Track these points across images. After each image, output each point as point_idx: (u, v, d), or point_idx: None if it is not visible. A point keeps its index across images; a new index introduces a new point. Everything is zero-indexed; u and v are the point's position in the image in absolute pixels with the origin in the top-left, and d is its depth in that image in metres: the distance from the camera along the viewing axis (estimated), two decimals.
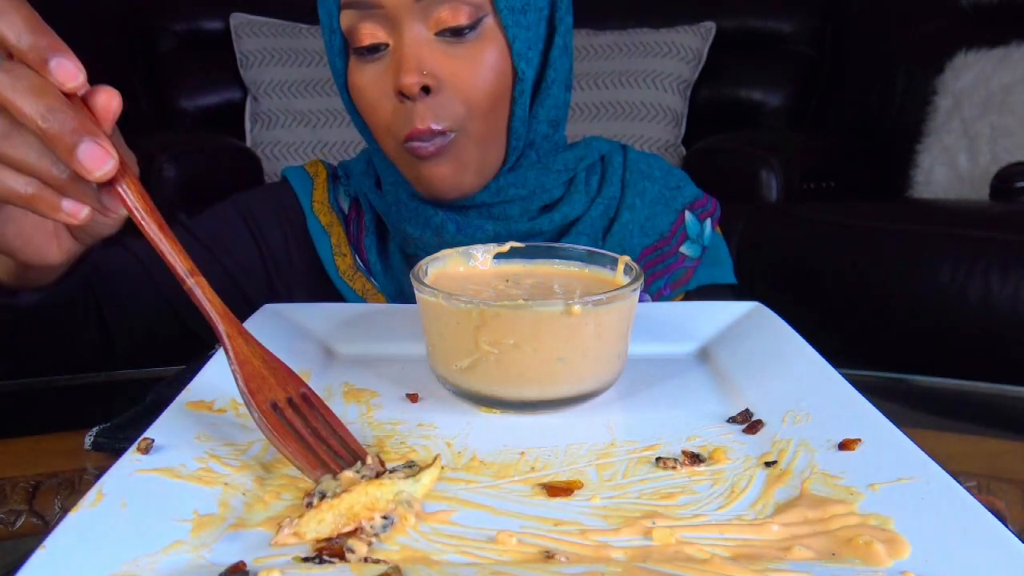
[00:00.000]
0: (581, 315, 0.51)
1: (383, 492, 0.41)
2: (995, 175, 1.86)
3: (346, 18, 0.72)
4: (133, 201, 0.48)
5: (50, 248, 0.58)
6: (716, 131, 2.34)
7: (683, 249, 0.83)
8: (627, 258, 0.59)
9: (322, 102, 2.46)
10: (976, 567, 0.36)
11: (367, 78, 0.73)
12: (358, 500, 0.40)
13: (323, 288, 0.83)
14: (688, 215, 0.84)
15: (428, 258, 0.60)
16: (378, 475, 0.43)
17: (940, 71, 2.21)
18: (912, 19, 2.37)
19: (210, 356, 0.57)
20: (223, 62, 2.55)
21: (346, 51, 0.75)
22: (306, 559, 0.37)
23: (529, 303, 0.51)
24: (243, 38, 2.52)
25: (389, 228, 0.83)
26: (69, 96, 0.46)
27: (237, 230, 0.84)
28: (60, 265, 0.60)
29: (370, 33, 0.71)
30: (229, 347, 0.48)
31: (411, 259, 0.82)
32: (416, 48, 0.70)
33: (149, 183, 2.11)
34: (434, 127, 0.71)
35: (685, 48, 2.44)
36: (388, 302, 0.83)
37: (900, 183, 2.24)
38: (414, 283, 0.55)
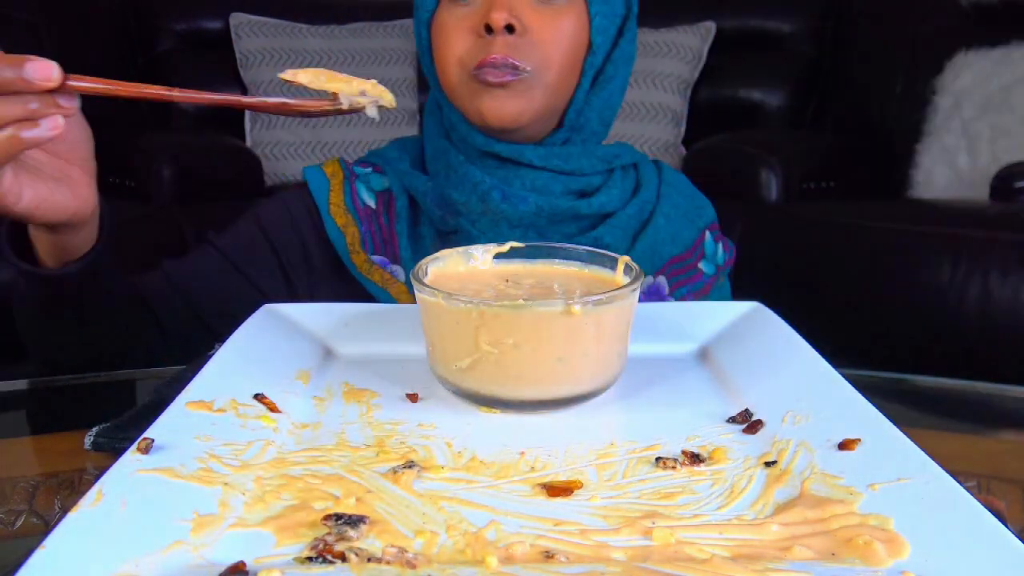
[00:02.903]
0: (581, 315, 0.51)
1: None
2: (995, 175, 1.86)
3: None
4: (89, 83, 0.55)
5: (62, 197, 0.63)
6: (716, 131, 2.34)
7: (700, 265, 0.89)
8: (627, 258, 0.59)
9: None
10: (976, 567, 0.36)
11: (453, 18, 0.80)
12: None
13: (345, 285, 0.85)
14: (708, 235, 0.90)
15: (428, 258, 0.60)
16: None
17: (940, 71, 2.21)
18: (912, 19, 2.37)
19: (210, 356, 0.57)
20: (223, 62, 2.54)
21: None
22: (307, 559, 0.37)
23: (529, 303, 0.52)
24: (243, 38, 2.52)
25: (423, 208, 0.86)
26: None
27: (256, 244, 0.88)
28: (82, 217, 0.66)
29: None
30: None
31: (444, 237, 0.85)
32: None
33: (149, 183, 2.12)
34: (511, 60, 0.77)
35: (685, 48, 2.44)
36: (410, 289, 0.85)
37: (900, 183, 2.24)
38: (414, 283, 0.55)
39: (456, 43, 0.79)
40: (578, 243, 0.63)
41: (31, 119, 0.54)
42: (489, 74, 0.77)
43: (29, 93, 0.53)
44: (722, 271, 0.90)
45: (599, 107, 0.83)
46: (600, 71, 0.83)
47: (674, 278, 0.86)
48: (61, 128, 0.56)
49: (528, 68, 0.77)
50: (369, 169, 0.90)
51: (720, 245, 0.91)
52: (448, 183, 0.84)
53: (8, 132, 0.54)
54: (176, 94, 0.57)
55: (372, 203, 0.88)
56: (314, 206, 0.88)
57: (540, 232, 0.83)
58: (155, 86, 0.57)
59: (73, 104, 0.56)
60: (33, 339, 0.79)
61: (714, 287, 0.89)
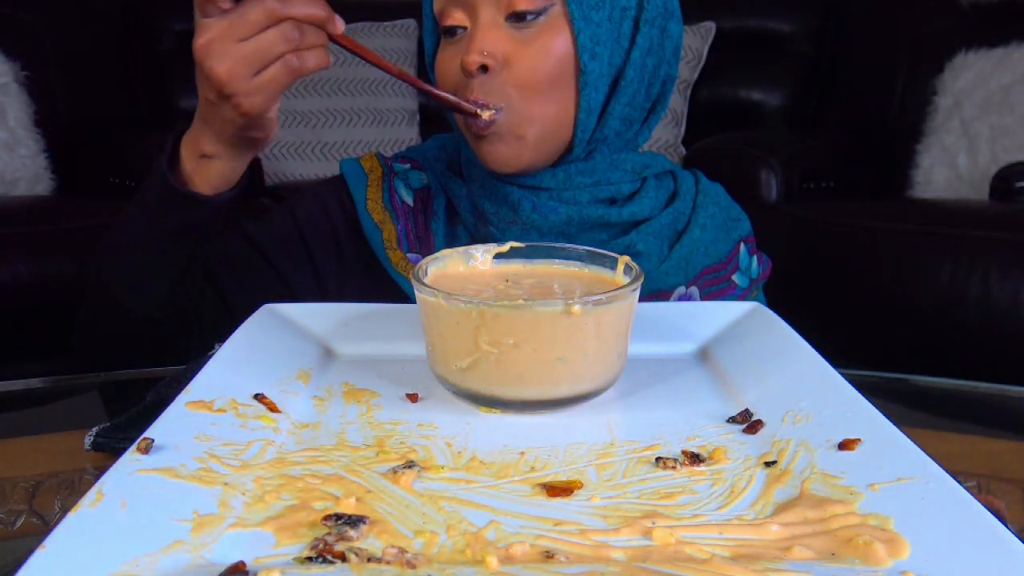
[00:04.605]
0: (581, 315, 0.51)
1: None
2: (995, 175, 1.86)
3: (437, 3, 0.79)
4: (351, 45, 0.72)
5: (274, 126, 0.75)
6: (716, 131, 2.34)
7: (734, 277, 0.88)
8: (627, 258, 0.59)
9: (322, 102, 2.46)
10: (976, 567, 0.36)
11: (445, 57, 0.80)
12: None
13: (377, 281, 0.85)
14: (742, 247, 0.89)
15: (428, 258, 0.60)
16: None
17: (940, 71, 2.21)
18: (912, 19, 2.37)
19: (210, 356, 0.57)
20: None
21: (437, 33, 0.81)
22: (307, 559, 0.37)
23: (529, 303, 0.52)
24: None
25: (459, 212, 0.86)
26: None
27: (288, 236, 0.88)
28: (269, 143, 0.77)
29: (451, 16, 0.78)
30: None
31: (479, 242, 0.84)
32: (484, 31, 0.76)
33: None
34: (479, 99, 0.76)
35: (685, 48, 2.44)
36: None
37: (900, 183, 2.24)
38: (414, 283, 0.55)
39: (448, 84, 0.79)
40: (610, 249, 0.62)
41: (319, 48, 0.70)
42: (470, 122, 0.76)
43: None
44: (756, 284, 0.90)
45: (619, 114, 0.80)
46: (620, 75, 0.79)
47: (706, 289, 0.86)
48: (329, 63, 0.71)
49: (497, 106, 0.75)
50: (408, 166, 0.90)
51: (755, 258, 0.90)
52: (480, 192, 0.84)
53: (320, 55, 0.70)
54: (394, 70, 0.77)
55: (410, 200, 0.88)
56: (349, 200, 0.88)
57: (570, 239, 0.81)
58: (388, 63, 0.76)
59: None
60: (130, 279, 0.81)
61: (747, 300, 0.88)
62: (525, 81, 0.76)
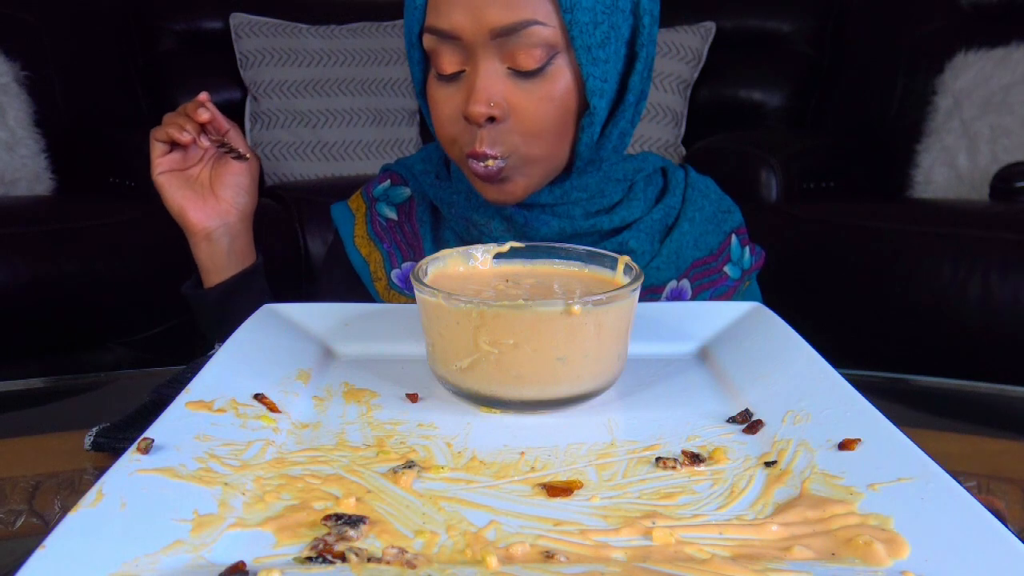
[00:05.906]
0: (581, 315, 0.51)
1: None
2: (995, 175, 1.86)
3: (428, 40, 0.76)
4: (216, 116, 0.89)
5: (203, 209, 0.90)
6: (716, 131, 2.34)
7: (726, 269, 0.89)
8: (627, 258, 0.59)
9: (322, 102, 2.46)
10: (976, 567, 0.36)
11: (442, 96, 0.77)
12: None
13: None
14: (734, 238, 0.90)
15: (428, 258, 0.61)
16: None
17: (940, 71, 2.20)
18: (912, 19, 2.37)
19: (210, 356, 0.57)
20: (223, 62, 2.54)
21: (425, 63, 0.79)
22: (307, 559, 0.37)
23: (529, 303, 0.52)
24: (243, 38, 2.52)
25: (447, 216, 0.87)
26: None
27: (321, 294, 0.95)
28: (206, 232, 0.91)
29: (449, 61, 0.75)
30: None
31: (469, 244, 0.85)
32: (487, 80, 0.73)
33: (148, 183, 2.12)
34: (488, 151, 0.75)
35: (685, 48, 2.44)
36: None
37: (900, 183, 2.24)
38: (414, 283, 0.55)
39: (449, 126, 0.77)
40: (604, 248, 0.62)
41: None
42: (475, 166, 0.75)
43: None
44: (748, 275, 0.90)
45: (616, 136, 0.80)
46: (618, 100, 0.79)
47: (697, 281, 0.86)
48: (187, 139, 0.88)
49: (504, 156, 0.74)
50: (387, 183, 0.91)
51: (747, 249, 0.90)
52: (469, 205, 0.84)
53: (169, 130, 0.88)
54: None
55: (394, 215, 0.89)
56: (341, 245, 0.91)
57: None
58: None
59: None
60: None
61: (739, 291, 0.89)
62: (530, 129, 0.75)
